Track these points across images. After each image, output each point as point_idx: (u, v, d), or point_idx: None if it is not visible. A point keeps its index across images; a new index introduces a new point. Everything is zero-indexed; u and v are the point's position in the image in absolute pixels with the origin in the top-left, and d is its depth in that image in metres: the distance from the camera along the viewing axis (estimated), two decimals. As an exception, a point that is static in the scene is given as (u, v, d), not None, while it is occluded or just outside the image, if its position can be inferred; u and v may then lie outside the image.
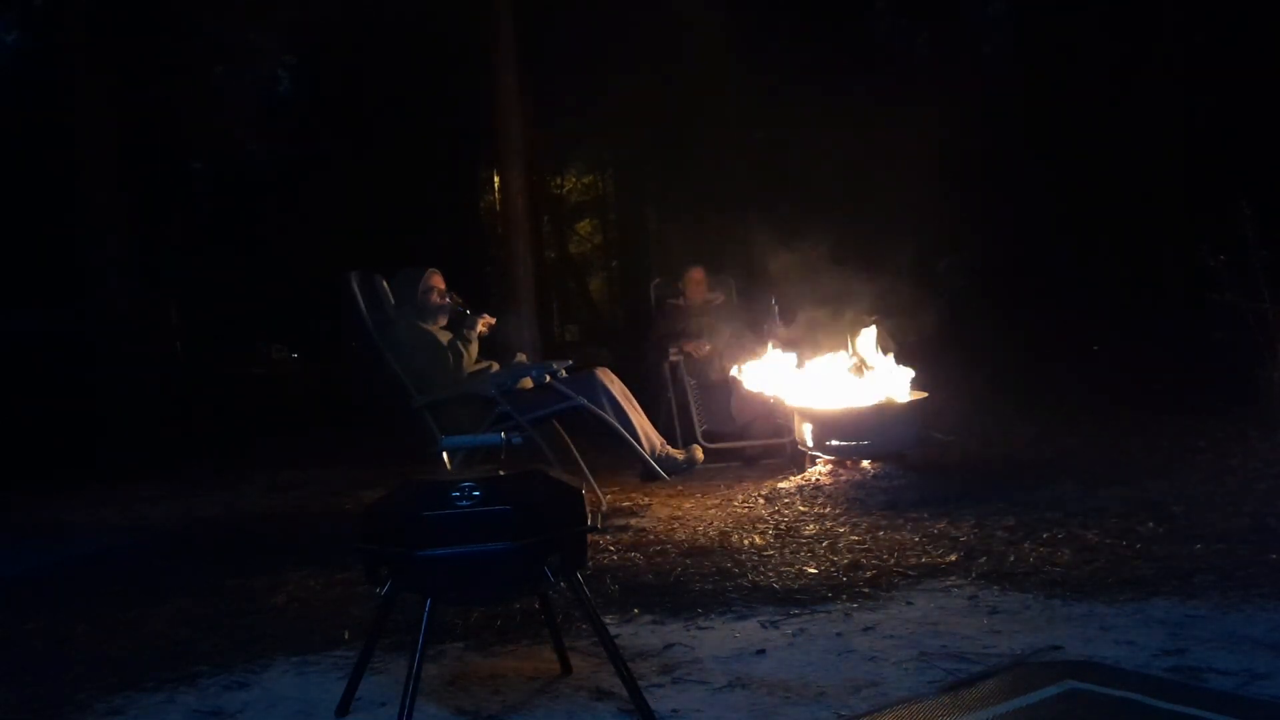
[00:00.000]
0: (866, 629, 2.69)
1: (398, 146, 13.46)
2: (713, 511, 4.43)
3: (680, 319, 6.26)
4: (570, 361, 4.55)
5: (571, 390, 4.33)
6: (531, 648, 2.68)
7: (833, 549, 3.57)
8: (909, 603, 2.91)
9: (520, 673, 2.50)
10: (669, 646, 2.63)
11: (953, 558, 3.34)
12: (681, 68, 10.75)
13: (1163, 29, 10.87)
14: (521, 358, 4.96)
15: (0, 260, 11.71)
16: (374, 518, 2.22)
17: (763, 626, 2.76)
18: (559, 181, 17.86)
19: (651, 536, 3.97)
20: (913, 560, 3.34)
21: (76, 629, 3.15)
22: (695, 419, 5.87)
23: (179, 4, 10.13)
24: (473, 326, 4.61)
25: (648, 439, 4.46)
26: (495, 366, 4.64)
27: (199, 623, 3.15)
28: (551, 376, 4.43)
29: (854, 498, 4.38)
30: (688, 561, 3.52)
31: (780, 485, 4.76)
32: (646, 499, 4.83)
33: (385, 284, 4.56)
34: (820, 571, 3.29)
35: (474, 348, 4.60)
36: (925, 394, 5.01)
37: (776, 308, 5.81)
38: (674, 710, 2.21)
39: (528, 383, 4.47)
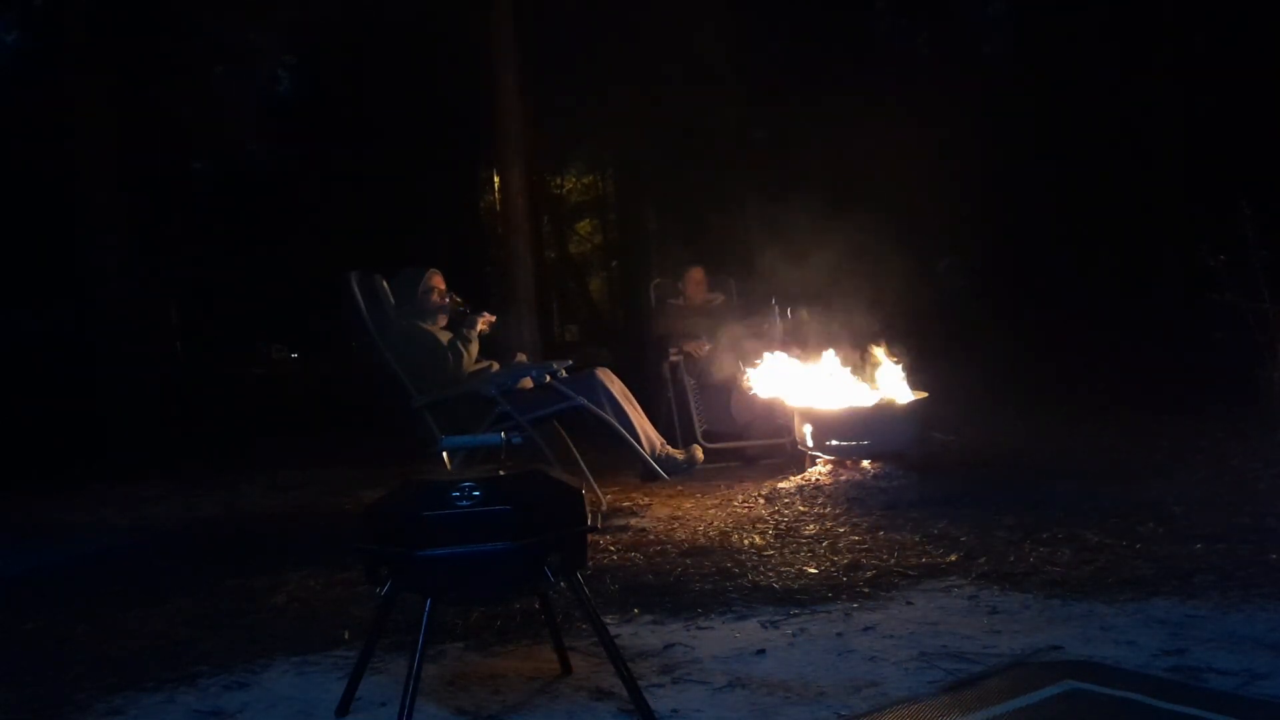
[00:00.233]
0: (866, 629, 2.69)
1: (397, 147, 13.45)
2: (713, 511, 4.43)
3: (680, 319, 6.26)
4: (570, 361, 4.55)
5: (571, 390, 4.33)
6: (531, 648, 2.68)
7: (833, 549, 3.57)
8: (909, 603, 2.91)
9: (520, 673, 2.50)
10: (669, 646, 2.63)
11: (953, 558, 3.34)
12: (681, 68, 10.74)
13: (1163, 29, 10.87)
14: (521, 358, 4.96)
15: (0, 260, 11.71)
16: (374, 518, 2.22)
17: (763, 626, 2.76)
18: (559, 181, 17.83)
19: (651, 536, 3.97)
20: (913, 560, 3.34)
21: (76, 629, 3.15)
22: (695, 419, 5.87)
23: (179, 4, 10.12)
24: (473, 326, 4.61)
25: (648, 439, 4.46)
26: (495, 366, 4.65)
27: (199, 623, 3.15)
28: (551, 376, 4.43)
29: (854, 498, 4.38)
30: (688, 561, 3.52)
31: (780, 485, 4.76)
32: (646, 499, 4.83)
33: (385, 284, 4.57)
34: (820, 571, 3.29)
35: (474, 347, 4.60)
36: (925, 394, 5.02)
37: (777, 308, 5.82)
38: (674, 710, 2.21)
39: (528, 383, 4.48)
